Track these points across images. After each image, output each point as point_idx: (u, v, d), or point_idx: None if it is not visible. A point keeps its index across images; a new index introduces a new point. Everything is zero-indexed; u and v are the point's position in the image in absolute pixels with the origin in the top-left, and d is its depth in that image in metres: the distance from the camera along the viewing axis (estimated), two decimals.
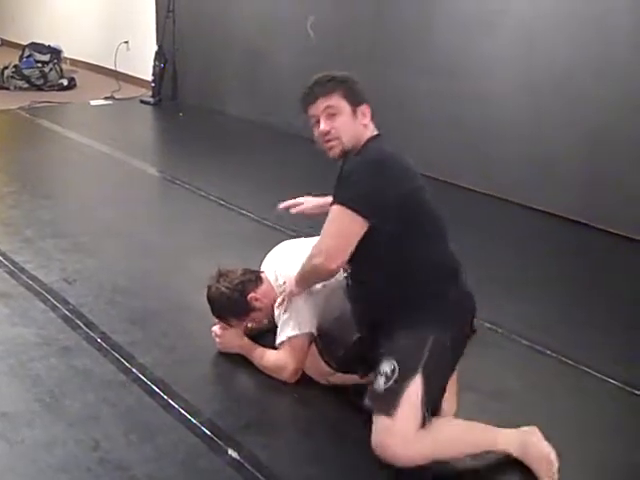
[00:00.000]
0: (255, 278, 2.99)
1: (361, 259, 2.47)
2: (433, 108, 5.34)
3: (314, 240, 3.09)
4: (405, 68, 5.44)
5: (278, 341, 2.86)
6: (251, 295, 2.94)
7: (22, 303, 3.41)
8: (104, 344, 3.08)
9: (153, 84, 7.62)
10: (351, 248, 2.42)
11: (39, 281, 3.61)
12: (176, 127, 7.14)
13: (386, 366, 2.37)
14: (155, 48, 7.61)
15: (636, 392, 2.91)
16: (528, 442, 2.42)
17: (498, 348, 3.16)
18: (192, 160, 5.84)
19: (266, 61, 6.75)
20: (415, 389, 2.32)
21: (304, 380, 2.84)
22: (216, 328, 3.03)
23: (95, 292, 3.55)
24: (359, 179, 2.41)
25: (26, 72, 8.19)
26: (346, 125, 2.49)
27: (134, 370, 2.90)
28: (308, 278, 2.68)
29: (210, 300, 3.00)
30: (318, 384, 2.83)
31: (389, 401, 2.32)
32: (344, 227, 2.43)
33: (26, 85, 8.14)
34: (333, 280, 2.84)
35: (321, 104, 2.50)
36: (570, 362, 3.10)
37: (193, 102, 7.58)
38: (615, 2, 4.40)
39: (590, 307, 3.64)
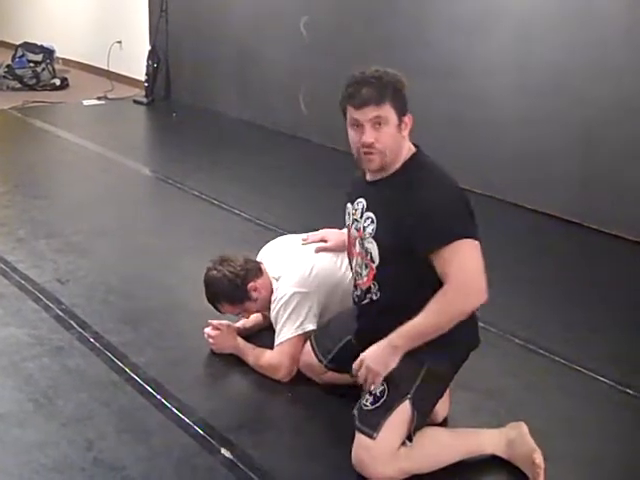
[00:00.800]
0: (256, 269, 3.00)
1: (405, 282, 2.32)
2: (429, 108, 5.33)
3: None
4: (400, 68, 5.43)
5: (277, 342, 2.85)
6: (251, 284, 2.94)
7: (14, 303, 3.40)
8: (97, 344, 3.07)
9: (146, 84, 7.61)
10: None
11: (32, 281, 3.61)
12: (169, 127, 7.12)
13: (376, 387, 2.34)
14: (148, 48, 7.61)
15: (629, 391, 2.92)
16: (515, 442, 2.42)
17: (492, 347, 3.15)
18: (185, 160, 5.83)
19: (259, 61, 6.75)
20: (400, 415, 2.31)
21: (298, 379, 2.84)
22: (209, 330, 3.02)
23: (88, 292, 3.55)
24: (455, 208, 2.28)
25: (19, 72, 8.17)
26: (391, 138, 2.29)
27: (127, 370, 2.90)
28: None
29: (208, 282, 2.97)
30: (312, 383, 2.83)
31: (372, 422, 2.31)
32: (478, 257, 2.25)
33: (18, 85, 8.12)
34: (333, 279, 2.84)
35: (370, 112, 2.25)
36: (563, 361, 3.11)
37: (186, 102, 7.57)
38: (611, 3, 4.41)
39: (583, 306, 3.65)
